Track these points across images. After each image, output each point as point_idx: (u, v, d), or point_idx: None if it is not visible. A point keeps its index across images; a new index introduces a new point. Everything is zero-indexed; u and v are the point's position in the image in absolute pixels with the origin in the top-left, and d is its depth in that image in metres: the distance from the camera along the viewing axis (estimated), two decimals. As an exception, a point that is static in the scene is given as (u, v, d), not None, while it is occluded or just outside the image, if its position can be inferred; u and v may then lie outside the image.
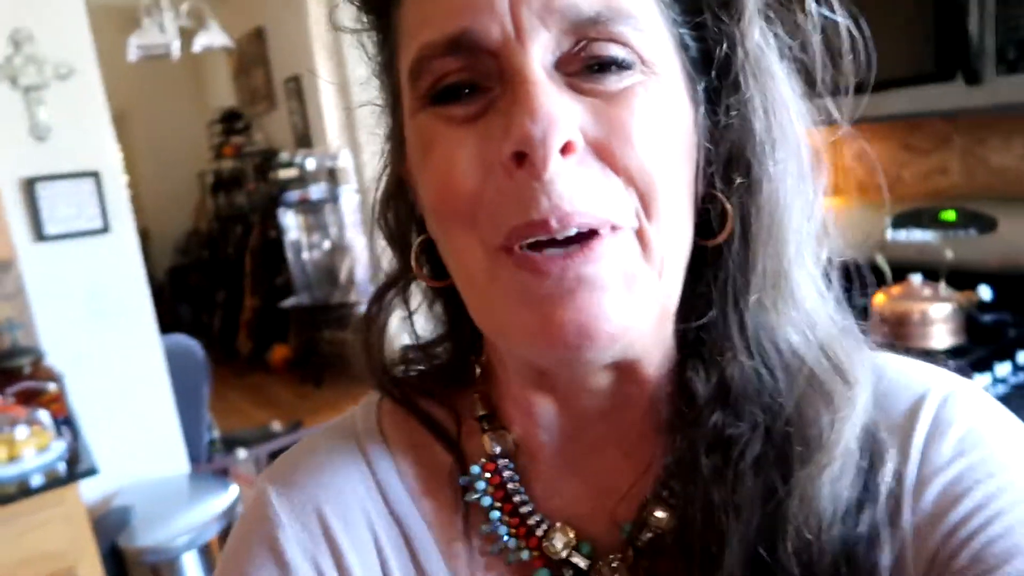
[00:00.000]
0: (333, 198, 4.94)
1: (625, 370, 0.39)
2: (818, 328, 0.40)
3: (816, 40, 0.40)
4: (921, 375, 0.42)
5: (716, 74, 0.39)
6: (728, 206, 0.39)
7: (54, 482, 1.73)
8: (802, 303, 0.39)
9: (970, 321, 1.68)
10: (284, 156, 5.26)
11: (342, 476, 0.45)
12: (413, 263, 0.44)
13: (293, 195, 5.02)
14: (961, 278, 1.73)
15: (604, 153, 0.35)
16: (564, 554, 0.41)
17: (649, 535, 0.40)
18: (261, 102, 5.74)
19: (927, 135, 1.72)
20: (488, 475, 0.43)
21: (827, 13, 0.40)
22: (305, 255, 5.17)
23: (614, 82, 0.35)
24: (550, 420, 0.42)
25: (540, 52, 0.34)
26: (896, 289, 1.71)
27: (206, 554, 2.05)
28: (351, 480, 0.44)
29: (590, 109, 0.35)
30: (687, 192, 0.38)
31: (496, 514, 0.42)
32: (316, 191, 4.95)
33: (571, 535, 0.41)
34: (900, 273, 1.62)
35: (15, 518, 1.70)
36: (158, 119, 6.43)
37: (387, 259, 0.47)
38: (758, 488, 0.37)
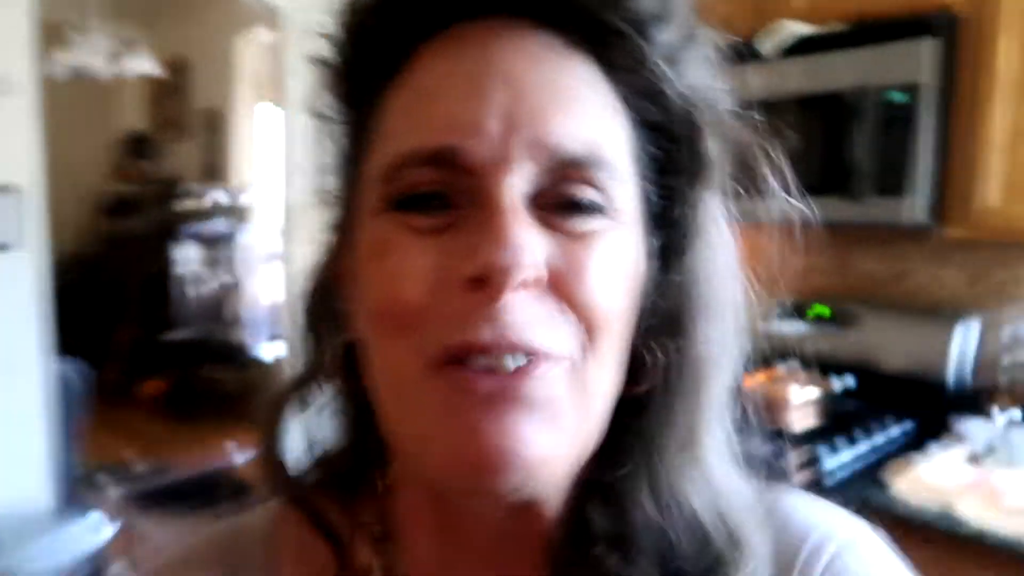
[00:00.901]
0: (233, 234, 4.87)
1: (526, 507, 0.39)
2: (720, 498, 0.40)
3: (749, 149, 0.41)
4: (825, 520, 0.43)
5: (670, 234, 0.40)
6: (656, 358, 0.39)
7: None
8: (709, 469, 0.40)
9: (830, 406, 1.90)
10: (191, 186, 5.15)
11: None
12: (331, 364, 0.43)
13: (193, 227, 4.91)
14: (825, 367, 1.96)
15: (561, 288, 0.35)
16: None
17: None
18: (172, 130, 5.63)
19: (809, 239, 1.99)
20: None
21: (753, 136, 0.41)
22: (196, 289, 5.02)
23: (581, 223, 0.36)
24: (439, 546, 0.42)
25: (519, 183, 0.34)
26: (769, 373, 1.92)
27: (67, 584, 1.94)
28: None
29: (555, 244, 0.35)
30: (627, 338, 0.38)
31: None
32: (217, 225, 4.86)
33: None
34: (774, 358, 1.83)
35: None
36: (56, 135, 6.14)
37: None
38: None
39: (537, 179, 0.35)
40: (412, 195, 0.36)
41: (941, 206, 1.74)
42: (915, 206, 1.71)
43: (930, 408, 1.84)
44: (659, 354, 0.39)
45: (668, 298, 0.39)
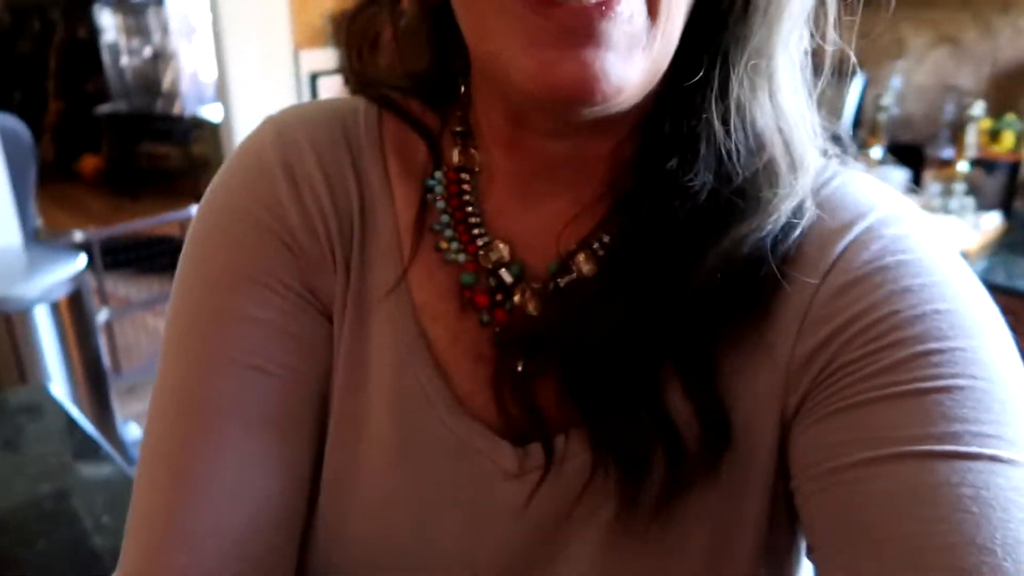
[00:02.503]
0: (157, 0, 4.60)
1: (599, 125, 0.39)
2: (782, 115, 0.40)
3: None
4: (878, 195, 0.41)
5: None
6: None
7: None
8: (777, 90, 0.39)
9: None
10: (98, -57, 4.75)
11: (332, 136, 0.46)
12: None
13: (109, -10, 4.61)
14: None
15: None
16: (493, 266, 0.43)
17: (571, 277, 0.42)
18: None
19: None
20: (448, 183, 0.45)
21: None
22: (124, 60, 4.81)
23: None
24: (517, 151, 0.43)
25: None
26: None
27: (56, 312, 2.14)
28: (337, 145, 0.46)
29: None
30: None
31: (446, 218, 0.45)
32: (137, -10, 4.58)
33: (505, 253, 0.43)
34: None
35: None
36: None
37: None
38: (686, 235, 0.39)
39: None
40: None
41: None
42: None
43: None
44: None
45: None
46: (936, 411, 0.33)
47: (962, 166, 1.94)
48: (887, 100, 2.04)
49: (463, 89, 0.46)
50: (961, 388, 0.34)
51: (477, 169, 0.45)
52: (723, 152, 0.39)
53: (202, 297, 0.44)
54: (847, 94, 2.07)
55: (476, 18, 0.36)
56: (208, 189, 0.46)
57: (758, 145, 0.39)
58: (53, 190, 5.00)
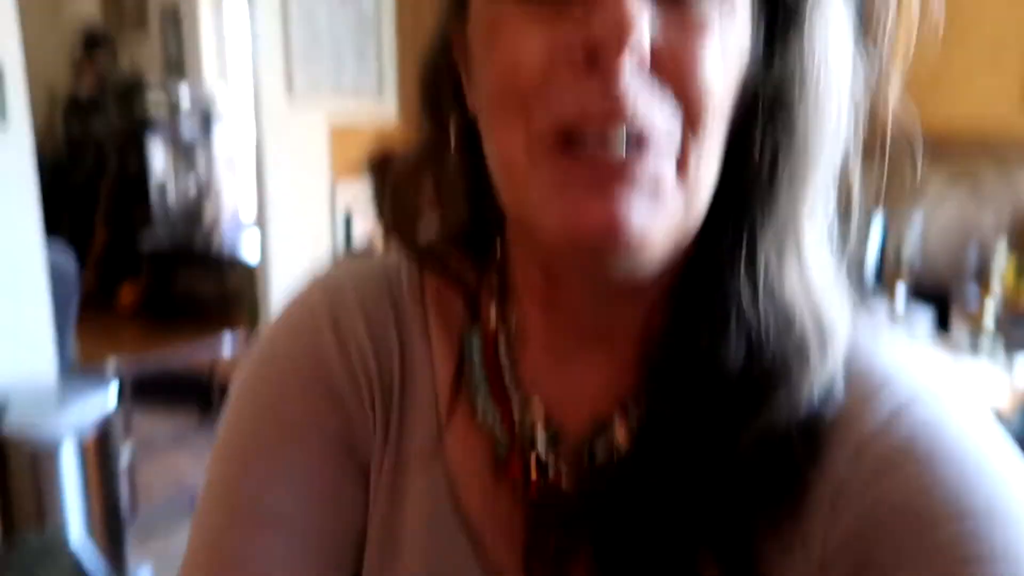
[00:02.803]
0: (205, 135, 4.80)
1: (627, 287, 0.40)
2: (811, 288, 0.39)
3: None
4: (910, 364, 0.40)
5: (782, 13, 0.38)
6: (761, 147, 0.38)
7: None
8: (805, 259, 0.39)
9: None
10: (153, 84, 5.02)
11: (378, 295, 0.48)
12: (452, 139, 0.45)
13: (162, 127, 4.82)
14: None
15: (666, 69, 0.35)
16: (528, 426, 0.43)
17: (604, 447, 0.42)
18: (130, 25, 5.42)
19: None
20: (484, 344, 0.46)
21: None
22: (170, 192, 4.98)
23: (692, 8, 0.35)
24: (552, 309, 0.44)
25: None
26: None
27: (82, 450, 2.05)
28: (383, 303, 0.48)
29: (664, 29, 0.35)
30: (727, 122, 0.38)
31: (480, 377, 0.45)
32: (187, 126, 4.79)
33: (539, 413, 0.43)
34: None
35: None
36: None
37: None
38: (719, 416, 0.38)
39: None
40: None
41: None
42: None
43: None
44: (763, 141, 0.38)
45: (776, 80, 0.38)
46: None
47: (989, 308, 1.87)
48: (909, 242, 2.01)
49: (499, 245, 0.47)
50: (994, 572, 0.32)
51: (513, 329, 0.46)
52: (753, 327, 0.39)
53: (243, 447, 0.44)
54: (868, 238, 2.02)
55: (508, 168, 0.38)
56: (259, 340, 0.48)
57: (787, 319, 0.39)
58: (91, 319, 5.05)
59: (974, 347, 1.87)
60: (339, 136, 3.01)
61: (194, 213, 4.97)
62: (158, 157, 4.90)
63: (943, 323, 2.00)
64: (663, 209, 0.36)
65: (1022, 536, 0.33)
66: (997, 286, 1.90)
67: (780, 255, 0.39)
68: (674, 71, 0.35)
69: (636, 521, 0.39)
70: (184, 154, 4.91)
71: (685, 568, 0.38)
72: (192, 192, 4.97)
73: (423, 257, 0.49)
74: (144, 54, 5.36)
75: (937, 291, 2.05)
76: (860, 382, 0.39)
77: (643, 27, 0.34)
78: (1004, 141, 1.92)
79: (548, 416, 0.43)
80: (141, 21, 5.31)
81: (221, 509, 0.43)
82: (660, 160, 0.35)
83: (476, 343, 0.46)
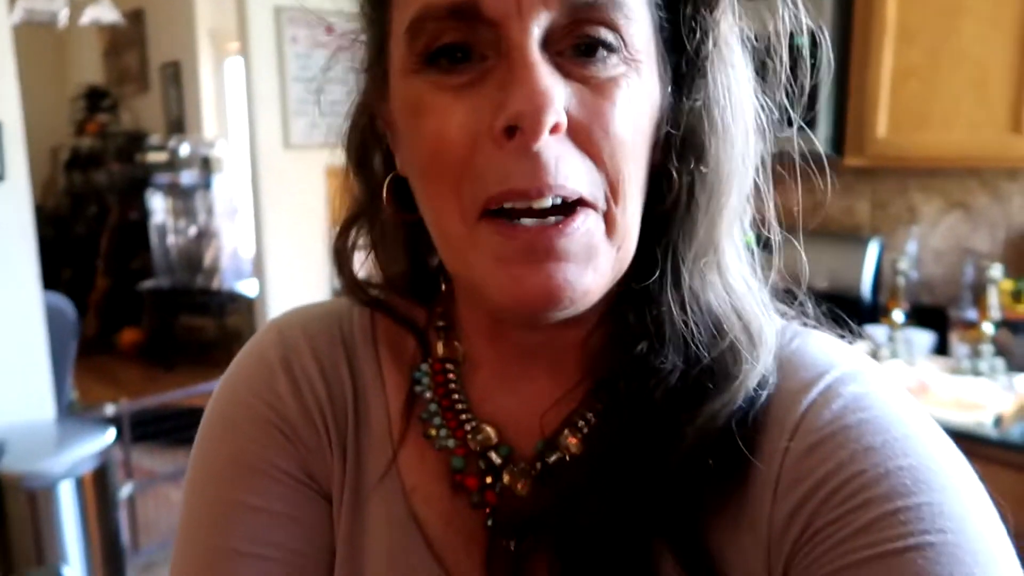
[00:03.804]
0: (205, 184, 4.96)
1: (569, 320, 0.41)
2: (735, 295, 0.43)
3: (779, 39, 0.43)
4: (835, 353, 0.43)
5: (685, 59, 0.41)
6: (678, 179, 0.41)
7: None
8: (726, 272, 0.43)
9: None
10: (155, 139, 5.22)
11: (329, 335, 0.51)
12: (384, 197, 0.47)
13: (163, 178, 4.99)
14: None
15: (582, 137, 0.37)
16: (481, 449, 0.45)
17: (556, 456, 0.44)
18: (131, 83, 5.63)
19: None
20: (434, 373, 0.48)
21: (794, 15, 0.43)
22: (170, 239, 5.12)
23: (600, 69, 0.37)
24: (497, 341, 0.47)
25: (537, 31, 0.36)
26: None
27: (80, 488, 2.15)
28: (334, 342, 0.50)
29: (576, 93, 0.37)
30: (646, 169, 0.41)
31: (433, 406, 0.47)
32: (187, 176, 4.95)
33: (492, 435, 0.45)
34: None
35: None
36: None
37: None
38: (663, 414, 0.41)
39: (554, 24, 0.37)
40: (438, 48, 0.38)
41: (842, 138, 2.02)
42: (820, 138, 1.95)
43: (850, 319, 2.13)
44: (679, 174, 0.41)
45: (685, 122, 0.41)
46: (910, 572, 0.34)
47: (987, 327, 1.93)
48: (904, 264, 2.07)
49: (443, 287, 0.50)
50: (932, 544, 0.34)
51: (461, 359, 0.49)
52: (686, 335, 0.42)
53: (207, 488, 0.47)
54: (863, 260, 2.12)
55: (446, 236, 0.41)
56: (217, 385, 0.51)
57: (717, 326, 0.42)
58: (92, 362, 5.14)
59: (974, 368, 1.91)
60: (336, 177, 3.13)
61: (194, 258, 5.10)
62: (158, 206, 5.04)
63: (942, 345, 2.05)
64: (597, 268, 0.39)
65: (947, 488, 0.36)
66: (995, 307, 1.92)
67: (703, 271, 0.42)
68: (591, 134, 0.37)
69: (591, 516, 0.40)
70: (184, 202, 5.05)
71: (642, 562, 0.40)
72: (192, 238, 5.10)
73: (371, 304, 0.51)
74: (146, 111, 5.57)
75: (935, 314, 2.10)
76: (793, 373, 0.42)
77: (558, 98, 0.36)
78: (994, 166, 1.99)
79: (501, 435, 0.46)
80: (143, 80, 5.53)
81: (191, 547, 0.46)
82: (589, 220, 0.38)
83: (426, 376, 0.48)
